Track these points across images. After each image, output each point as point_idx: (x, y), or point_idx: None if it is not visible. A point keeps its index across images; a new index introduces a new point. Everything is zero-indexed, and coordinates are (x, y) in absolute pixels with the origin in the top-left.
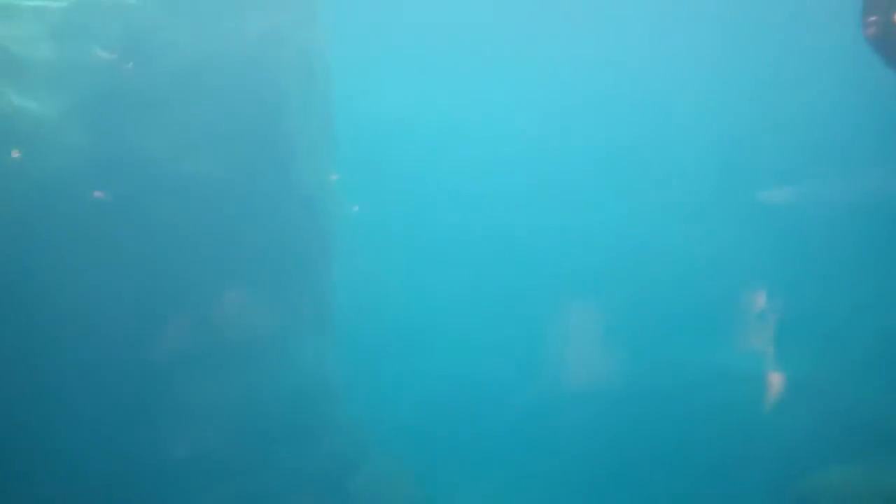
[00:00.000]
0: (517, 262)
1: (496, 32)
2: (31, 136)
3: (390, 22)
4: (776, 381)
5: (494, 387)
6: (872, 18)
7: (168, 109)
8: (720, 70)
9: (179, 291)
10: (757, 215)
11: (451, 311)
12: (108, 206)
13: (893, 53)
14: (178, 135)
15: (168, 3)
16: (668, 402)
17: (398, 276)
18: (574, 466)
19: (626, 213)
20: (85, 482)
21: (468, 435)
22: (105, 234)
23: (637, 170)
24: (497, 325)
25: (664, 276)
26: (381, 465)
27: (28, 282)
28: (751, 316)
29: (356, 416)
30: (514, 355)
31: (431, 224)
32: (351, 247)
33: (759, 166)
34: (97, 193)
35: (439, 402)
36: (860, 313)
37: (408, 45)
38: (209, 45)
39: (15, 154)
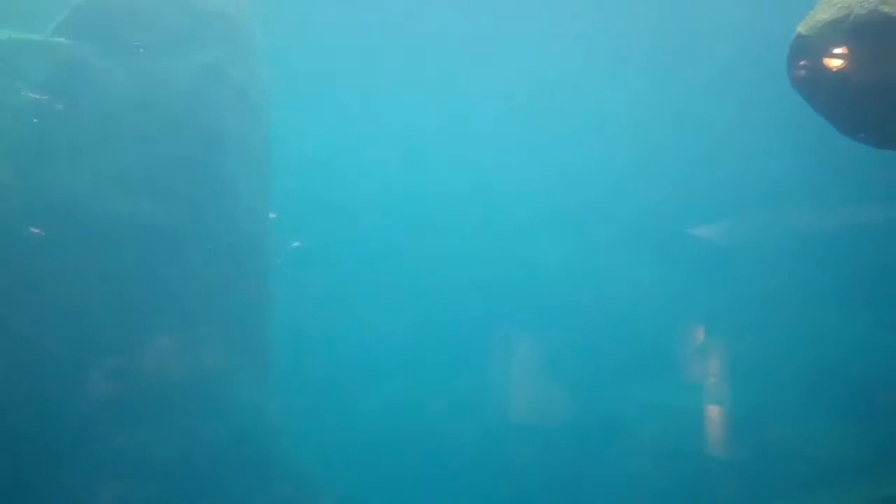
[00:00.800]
0: (459, 296)
1: (426, 66)
2: None
3: (326, 58)
4: (717, 415)
5: (439, 422)
6: (802, 62)
7: (100, 150)
8: (653, 104)
9: (111, 336)
10: (696, 251)
11: (394, 346)
12: (37, 248)
13: (820, 97)
14: (110, 176)
15: (101, 43)
16: (608, 438)
17: (339, 312)
18: (517, 499)
19: (567, 249)
20: None
21: (414, 472)
22: (33, 276)
23: (578, 206)
24: (440, 359)
25: (604, 313)
26: None
27: None
28: (691, 351)
29: (299, 458)
30: (457, 391)
31: (371, 259)
32: (289, 284)
33: (700, 203)
34: (27, 233)
35: (384, 439)
36: (799, 349)
37: (344, 79)
38: (143, 84)
39: None
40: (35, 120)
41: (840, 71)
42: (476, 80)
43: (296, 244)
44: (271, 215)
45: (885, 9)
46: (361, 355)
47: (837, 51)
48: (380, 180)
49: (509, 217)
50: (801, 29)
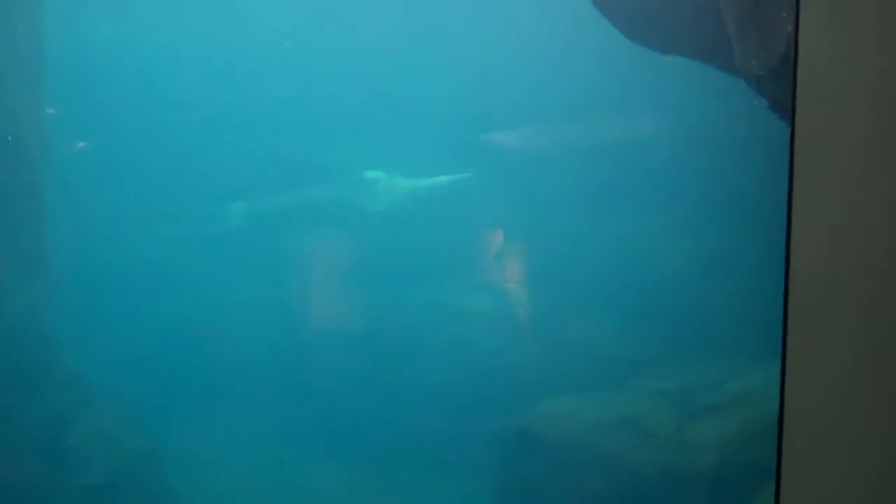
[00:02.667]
0: (249, 205)
1: None
2: None
3: None
4: (507, 318)
5: (229, 329)
6: None
7: None
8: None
9: None
10: (490, 157)
11: (181, 255)
12: None
13: (621, 14)
14: None
15: None
16: (403, 342)
17: (126, 217)
18: (312, 410)
19: (366, 148)
20: None
21: (200, 381)
22: None
23: (375, 108)
24: (231, 266)
25: (397, 217)
26: (104, 415)
27: None
28: (482, 255)
29: (75, 367)
30: (248, 299)
31: (163, 164)
32: (69, 187)
33: (494, 110)
34: None
35: (169, 350)
36: (590, 255)
37: None
38: None
39: None
40: None
41: None
42: None
43: (81, 144)
44: (50, 111)
45: None
46: (148, 262)
47: None
48: (183, 78)
49: (311, 122)
50: None
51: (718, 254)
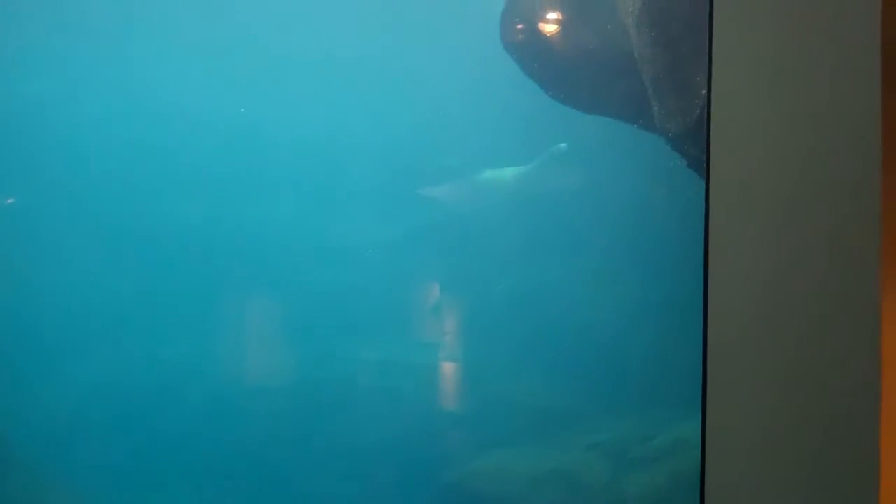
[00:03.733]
0: (176, 255)
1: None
2: None
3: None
4: (438, 372)
5: (154, 388)
6: (513, 26)
7: None
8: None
9: None
10: (418, 212)
11: (105, 315)
12: None
13: (531, 61)
14: None
15: None
16: (338, 396)
17: (44, 268)
18: (239, 467)
19: (293, 207)
20: None
21: (129, 447)
22: None
23: (310, 165)
24: (156, 324)
25: (335, 272)
26: (25, 481)
27: None
28: (411, 309)
29: None
30: (175, 356)
31: (84, 213)
32: None
33: (418, 166)
34: None
35: (93, 412)
36: (521, 306)
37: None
38: None
39: None
40: None
41: (548, 33)
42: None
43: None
44: None
45: None
46: (72, 322)
47: (546, 13)
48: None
49: (237, 181)
50: None
51: (644, 306)
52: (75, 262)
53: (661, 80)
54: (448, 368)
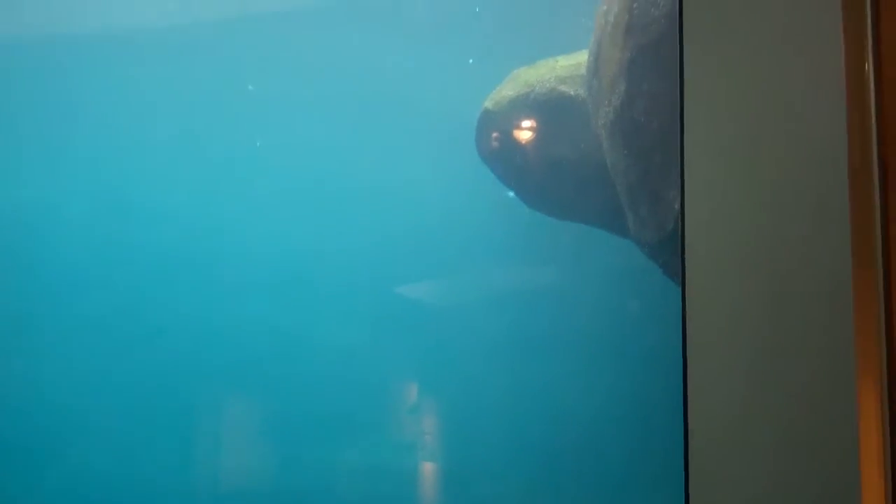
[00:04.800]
0: (137, 351)
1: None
2: None
3: None
4: (425, 474)
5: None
6: (488, 136)
7: None
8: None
9: None
10: (393, 311)
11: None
12: None
13: (507, 170)
14: None
15: None
16: (317, 501)
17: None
18: None
19: (269, 306)
20: None
21: None
22: None
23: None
24: (120, 428)
25: (313, 375)
26: None
27: None
28: (386, 411)
29: None
30: (143, 462)
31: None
32: None
33: (404, 263)
34: None
35: None
36: (503, 406)
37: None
38: None
39: None
40: None
41: (524, 144)
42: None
43: None
44: None
45: (563, 88)
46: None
47: (521, 125)
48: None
49: (210, 276)
50: (487, 104)
51: (624, 408)
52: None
53: (634, 191)
54: (424, 471)
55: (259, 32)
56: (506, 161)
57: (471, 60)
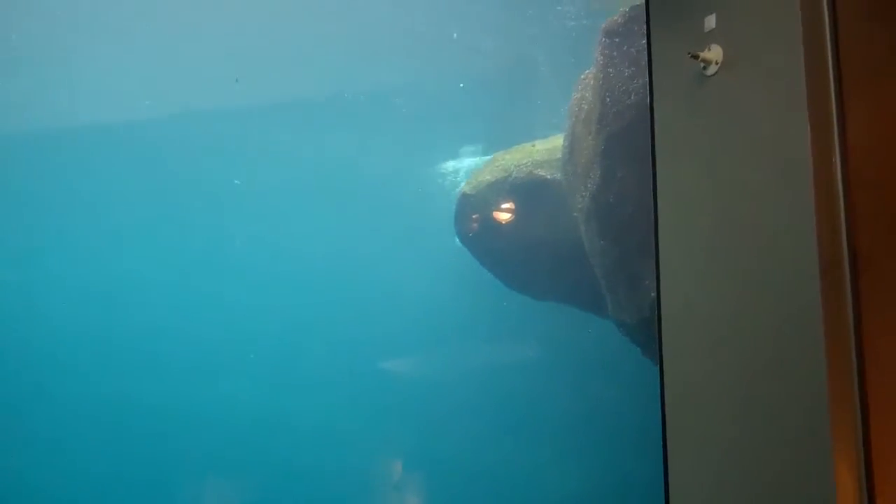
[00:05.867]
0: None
1: None
2: None
3: None
4: None
5: None
6: (467, 219)
7: None
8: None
9: None
10: (377, 387)
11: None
12: None
13: (484, 252)
14: None
15: None
16: None
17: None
18: None
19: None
20: None
21: None
22: None
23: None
24: None
25: (291, 454)
26: None
27: None
28: (379, 487)
29: None
30: None
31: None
32: None
33: (379, 342)
34: None
35: None
36: (476, 485)
37: None
38: None
39: None
40: None
41: (502, 226)
42: None
43: None
44: None
45: (540, 171)
46: None
47: (500, 208)
48: None
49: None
50: (466, 188)
51: (604, 481)
52: None
53: (611, 273)
54: None
55: (247, 127)
56: (484, 243)
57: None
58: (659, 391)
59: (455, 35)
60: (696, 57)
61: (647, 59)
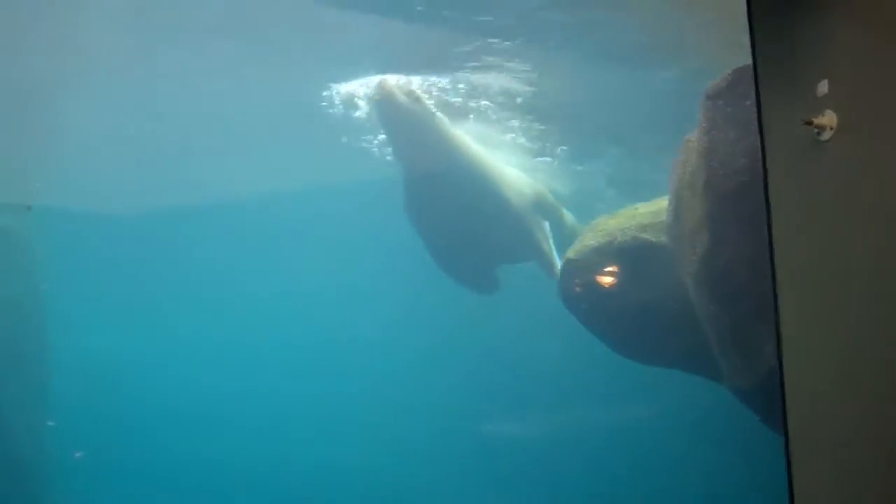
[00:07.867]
0: None
1: None
2: None
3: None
4: None
5: None
6: (572, 284)
7: None
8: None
9: None
10: (479, 448)
11: None
12: None
13: (592, 316)
14: None
15: None
16: None
17: None
18: None
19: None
20: None
21: None
22: None
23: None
24: None
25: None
26: None
27: None
28: None
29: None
30: None
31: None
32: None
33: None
34: None
35: None
36: None
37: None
38: None
39: None
40: None
41: (608, 290)
42: None
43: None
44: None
45: (645, 235)
46: None
47: (605, 272)
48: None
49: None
50: (570, 254)
51: None
52: None
53: (724, 339)
54: None
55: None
56: (590, 307)
57: None
58: (784, 461)
59: None
60: (810, 123)
61: (755, 122)
